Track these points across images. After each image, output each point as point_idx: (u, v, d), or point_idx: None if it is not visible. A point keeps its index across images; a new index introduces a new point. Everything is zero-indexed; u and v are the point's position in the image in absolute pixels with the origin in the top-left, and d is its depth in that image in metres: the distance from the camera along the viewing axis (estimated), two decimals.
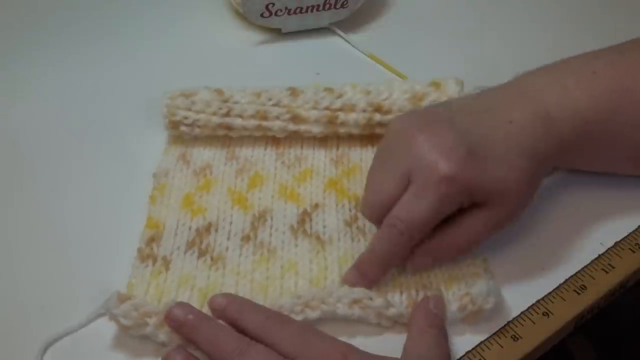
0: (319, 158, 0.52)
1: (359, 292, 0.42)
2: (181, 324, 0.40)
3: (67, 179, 0.52)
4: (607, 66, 0.47)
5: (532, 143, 0.44)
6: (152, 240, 0.47)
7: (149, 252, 0.46)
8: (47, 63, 0.63)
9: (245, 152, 0.53)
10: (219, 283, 0.44)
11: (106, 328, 0.42)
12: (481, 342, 0.42)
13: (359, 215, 0.48)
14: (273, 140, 0.54)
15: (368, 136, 0.53)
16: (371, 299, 0.42)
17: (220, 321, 0.41)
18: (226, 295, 0.42)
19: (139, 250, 0.46)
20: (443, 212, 0.42)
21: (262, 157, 0.53)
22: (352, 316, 0.42)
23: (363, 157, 0.52)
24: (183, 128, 0.52)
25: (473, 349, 0.42)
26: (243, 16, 0.64)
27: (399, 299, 0.43)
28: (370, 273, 0.44)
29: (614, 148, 0.47)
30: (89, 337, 0.42)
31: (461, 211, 0.43)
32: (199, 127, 0.52)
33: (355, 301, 0.42)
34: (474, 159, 0.42)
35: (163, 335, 0.41)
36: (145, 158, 0.53)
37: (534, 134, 0.44)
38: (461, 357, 0.41)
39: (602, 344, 0.76)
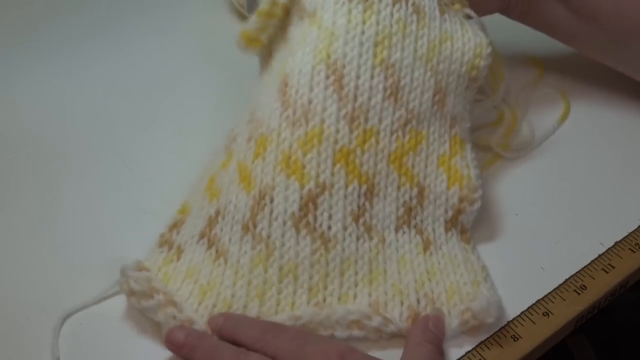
0: (330, 111, 0.44)
1: (357, 312, 0.42)
2: (181, 345, 0.41)
3: (65, 179, 0.52)
4: None
5: None
6: (174, 226, 0.47)
7: (168, 238, 0.46)
8: (46, 61, 0.62)
9: (261, 114, 0.46)
10: (218, 282, 0.44)
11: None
12: (481, 342, 0.42)
13: (367, 206, 0.45)
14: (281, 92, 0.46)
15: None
16: (369, 318, 0.42)
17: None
18: (223, 314, 0.43)
19: (161, 235, 0.47)
20: None
21: (269, 113, 0.45)
22: (350, 337, 0.42)
23: (383, 116, 0.45)
24: None
25: (473, 349, 0.42)
26: (244, 16, 0.64)
27: (399, 310, 0.43)
28: None
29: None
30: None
31: None
32: None
33: (354, 322, 0.42)
34: None
35: (161, 315, 0.41)
36: (143, 157, 0.53)
37: None
38: (461, 357, 0.41)
39: (602, 344, 0.76)
